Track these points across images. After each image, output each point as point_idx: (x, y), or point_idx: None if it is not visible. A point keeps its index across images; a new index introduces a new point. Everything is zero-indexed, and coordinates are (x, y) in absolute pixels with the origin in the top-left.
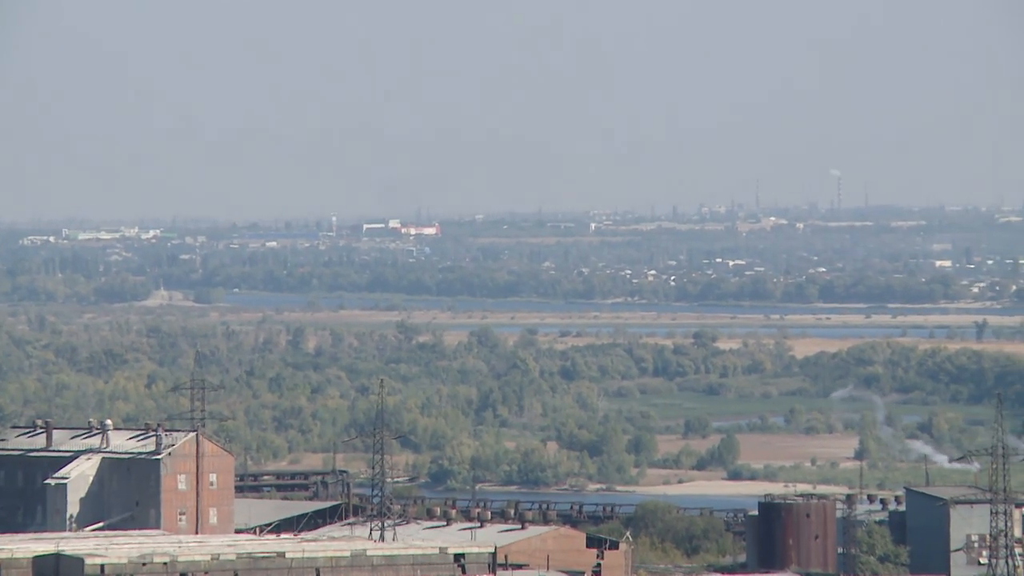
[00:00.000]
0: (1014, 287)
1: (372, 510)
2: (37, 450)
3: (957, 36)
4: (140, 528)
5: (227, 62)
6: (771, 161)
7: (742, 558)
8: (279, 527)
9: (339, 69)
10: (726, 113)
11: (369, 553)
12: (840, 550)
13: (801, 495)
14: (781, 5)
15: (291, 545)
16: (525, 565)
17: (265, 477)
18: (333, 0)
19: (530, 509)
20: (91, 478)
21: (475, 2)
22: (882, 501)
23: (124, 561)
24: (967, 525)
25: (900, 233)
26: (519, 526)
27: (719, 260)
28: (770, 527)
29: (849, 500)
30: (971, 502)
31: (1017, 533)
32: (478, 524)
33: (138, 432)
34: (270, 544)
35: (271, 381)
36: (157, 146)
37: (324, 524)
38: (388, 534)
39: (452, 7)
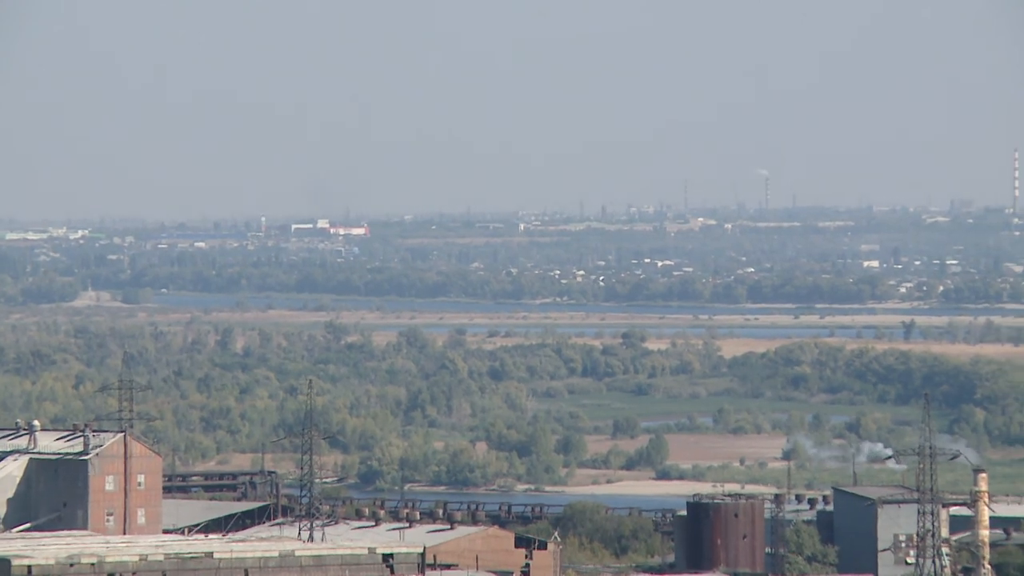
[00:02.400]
0: (941, 287)
1: (300, 510)
2: None
3: (882, 39)
4: (68, 529)
5: (152, 61)
6: (699, 162)
7: (670, 558)
8: (207, 528)
9: (267, 70)
10: (655, 114)
11: (298, 553)
12: (768, 550)
13: (729, 495)
14: (709, 12)
15: (219, 546)
16: (454, 565)
17: (193, 478)
18: (260, 2)
19: (459, 509)
20: (18, 479)
21: (403, 4)
22: (810, 501)
23: (51, 562)
24: (894, 525)
25: (828, 233)
26: (448, 526)
27: (648, 260)
28: (698, 527)
29: (777, 500)
30: (898, 502)
31: (944, 533)
32: (407, 524)
33: (66, 433)
34: (198, 545)
35: (199, 381)
36: (85, 146)
37: (252, 524)
38: (317, 534)
39: (381, 8)
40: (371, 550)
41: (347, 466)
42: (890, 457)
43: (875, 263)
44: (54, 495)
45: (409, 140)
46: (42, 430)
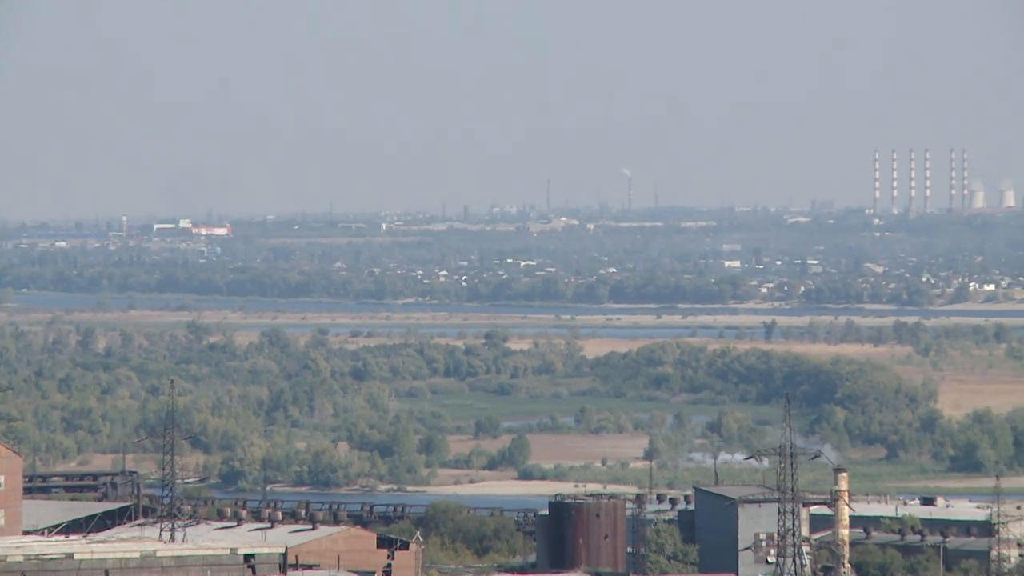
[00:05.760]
0: (802, 288)
1: (162, 511)
2: None
3: (742, 39)
4: None
5: (21, 62)
6: (562, 161)
7: (532, 558)
8: (68, 528)
9: (127, 67)
10: (517, 114)
11: (159, 554)
12: (630, 549)
13: (591, 495)
14: (572, 12)
15: (80, 546)
16: (316, 565)
17: (54, 478)
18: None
19: (321, 509)
20: None
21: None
22: (671, 500)
23: None
24: (755, 524)
25: (690, 233)
26: (310, 526)
27: (510, 260)
28: (560, 527)
29: (639, 499)
30: (759, 501)
31: (804, 532)
32: (269, 524)
33: None
34: (58, 545)
35: (60, 382)
36: None
37: (114, 525)
38: (178, 535)
39: (247, 4)
40: (232, 550)
41: (209, 466)
42: (751, 457)
43: (737, 263)
44: None
45: (271, 139)
46: None
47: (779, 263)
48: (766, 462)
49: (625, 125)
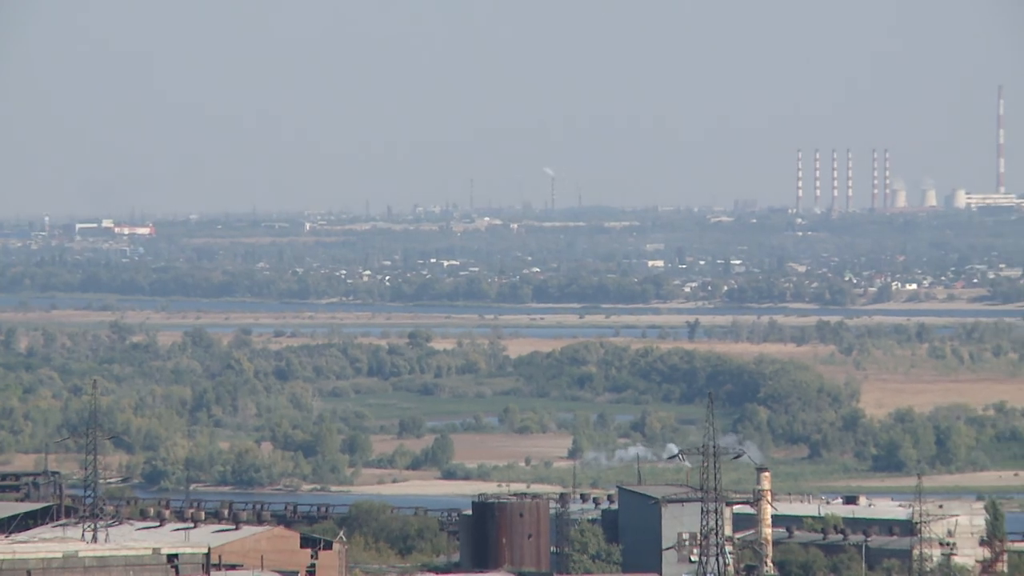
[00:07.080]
0: (725, 287)
1: (84, 511)
2: None
3: (663, 37)
4: None
5: None
6: (485, 161)
7: (456, 557)
8: None
9: (48, 67)
10: (440, 113)
11: (81, 554)
12: (553, 549)
13: (515, 494)
14: (496, 13)
15: (1, 547)
16: (239, 565)
17: None
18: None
19: (244, 509)
20: None
21: None
22: (595, 500)
23: None
24: (678, 523)
25: (613, 233)
26: (233, 526)
27: (434, 260)
28: (483, 526)
29: (562, 499)
30: (682, 500)
31: (728, 531)
32: (192, 525)
33: None
34: None
35: None
36: None
37: (36, 525)
38: (101, 535)
39: (169, 2)
40: (156, 550)
41: (132, 466)
42: (674, 456)
43: (660, 263)
44: None
45: (194, 139)
46: None
47: (702, 263)
48: (687, 461)
49: (548, 125)
